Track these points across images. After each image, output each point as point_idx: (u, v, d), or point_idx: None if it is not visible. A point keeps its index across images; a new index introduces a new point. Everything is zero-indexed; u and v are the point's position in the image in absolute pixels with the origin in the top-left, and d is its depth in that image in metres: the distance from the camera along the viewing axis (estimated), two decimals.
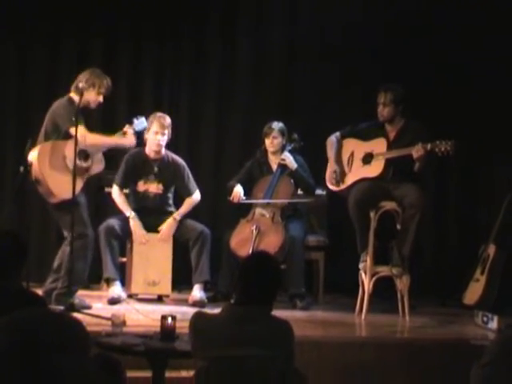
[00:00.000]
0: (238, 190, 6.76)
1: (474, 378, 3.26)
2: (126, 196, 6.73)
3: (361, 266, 6.32)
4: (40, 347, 2.16)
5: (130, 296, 6.54)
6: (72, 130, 5.76)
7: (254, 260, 3.63)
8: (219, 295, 6.58)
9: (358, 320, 6.22)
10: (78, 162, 5.79)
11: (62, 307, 5.68)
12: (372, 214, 6.20)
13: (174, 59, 7.52)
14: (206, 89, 7.54)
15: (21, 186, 5.95)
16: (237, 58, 7.60)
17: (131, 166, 6.68)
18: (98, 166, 6.12)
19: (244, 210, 6.83)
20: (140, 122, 6.29)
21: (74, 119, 5.73)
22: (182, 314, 5.19)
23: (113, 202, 6.70)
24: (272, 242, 6.45)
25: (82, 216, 5.94)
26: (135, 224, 6.54)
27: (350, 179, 6.41)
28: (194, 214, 6.82)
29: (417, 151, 6.06)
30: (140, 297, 6.59)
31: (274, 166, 6.86)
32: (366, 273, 6.25)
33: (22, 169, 5.87)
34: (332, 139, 6.54)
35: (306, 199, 6.85)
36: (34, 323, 2.23)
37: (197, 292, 6.45)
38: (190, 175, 6.77)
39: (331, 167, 6.46)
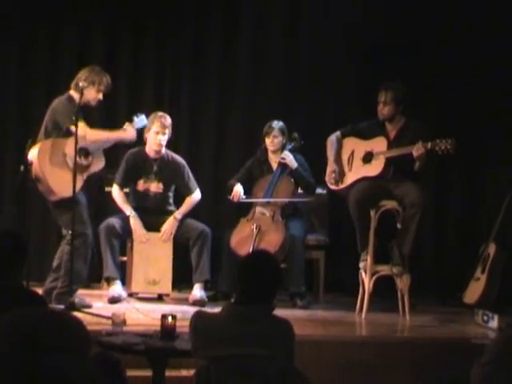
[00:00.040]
0: (238, 189, 6.76)
1: (475, 377, 3.26)
2: (127, 195, 6.73)
3: (361, 265, 6.32)
4: (40, 346, 2.16)
5: (131, 295, 6.54)
6: (72, 128, 5.76)
7: (254, 259, 3.64)
8: (219, 294, 6.59)
9: (358, 319, 6.22)
10: (78, 159, 5.80)
11: (62, 306, 5.69)
12: (372, 213, 6.20)
13: (175, 58, 7.52)
14: (206, 88, 7.54)
15: (21, 185, 5.95)
16: (237, 57, 7.60)
17: (131, 165, 6.68)
18: (98, 163, 6.12)
19: (244, 209, 6.83)
20: (140, 120, 6.29)
21: (74, 117, 5.73)
22: (183, 313, 5.20)
23: (113, 201, 6.70)
24: (272, 241, 6.45)
25: (81, 215, 5.94)
26: (135, 223, 6.54)
27: (350, 178, 6.40)
28: (194, 213, 6.82)
29: (417, 150, 6.06)
30: (140, 296, 6.59)
31: (275, 165, 6.86)
32: (366, 272, 6.25)
33: (22, 168, 5.87)
34: (332, 138, 6.54)
35: (307, 198, 6.84)
36: (34, 322, 2.22)
37: (197, 291, 6.45)
38: (190, 174, 6.77)
39: (330, 167, 6.46)
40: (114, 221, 6.52)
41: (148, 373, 4.17)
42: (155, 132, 6.55)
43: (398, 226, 6.25)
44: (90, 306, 5.95)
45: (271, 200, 6.71)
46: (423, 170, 6.21)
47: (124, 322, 5.27)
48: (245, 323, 3.34)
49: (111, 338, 4.21)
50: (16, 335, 2.19)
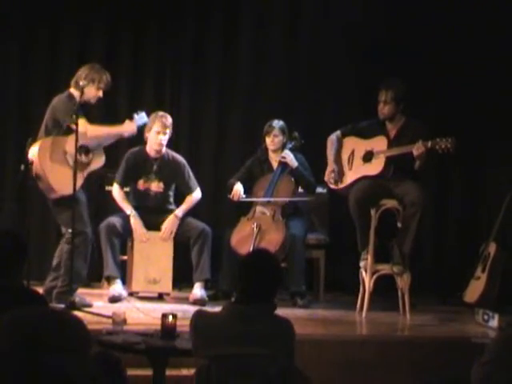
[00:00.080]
0: (238, 188, 6.76)
1: (475, 376, 3.26)
2: (127, 194, 6.73)
3: (361, 264, 6.33)
4: (40, 346, 2.16)
5: (131, 294, 6.54)
6: (73, 125, 5.76)
7: (254, 258, 3.64)
8: (220, 293, 6.59)
9: (358, 318, 6.22)
10: (78, 157, 5.80)
11: (62, 305, 5.69)
12: (373, 212, 6.20)
13: (175, 58, 7.52)
14: (206, 88, 7.54)
15: (21, 183, 5.96)
16: (238, 57, 7.60)
17: (132, 164, 6.69)
18: (98, 161, 6.13)
19: (245, 208, 6.83)
20: (140, 117, 6.29)
21: (74, 115, 5.74)
22: (183, 312, 5.21)
23: (113, 200, 6.70)
24: (273, 240, 6.45)
25: (81, 214, 5.94)
26: (136, 222, 6.54)
27: (350, 177, 6.40)
28: (194, 212, 6.82)
29: (417, 149, 6.06)
30: (141, 295, 6.59)
31: (275, 165, 6.86)
32: (366, 271, 6.25)
33: (22, 167, 5.88)
34: (332, 138, 6.54)
35: (307, 197, 6.84)
36: (34, 322, 2.22)
37: (197, 290, 6.45)
38: (191, 173, 6.77)
39: (330, 167, 6.46)
40: (114, 220, 6.52)
41: (148, 372, 4.18)
42: (156, 132, 6.55)
43: (399, 225, 6.25)
44: (90, 305, 5.95)
45: (271, 199, 6.71)
46: (423, 168, 6.21)
47: (124, 321, 5.27)
48: (245, 322, 3.34)
49: (112, 337, 4.22)
50: (16, 335, 2.19)
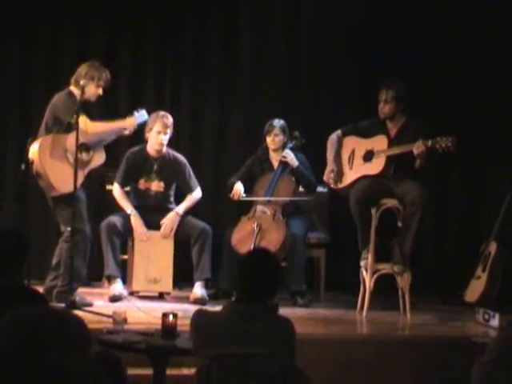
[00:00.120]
0: (238, 188, 6.76)
1: (475, 376, 3.26)
2: (127, 194, 6.73)
3: (362, 263, 6.33)
4: (41, 345, 2.16)
5: (131, 293, 6.54)
6: (73, 122, 5.76)
7: (254, 257, 3.64)
8: (220, 293, 6.59)
9: (359, 317, 6.22)
10: (78, 155, 5.80)
11: (63, 305, 5.70)
12: (373, 212, 6.20)
13: (175, 58, 7.52)
14: (207, 87, 7.55)
15: (22, 183, 5.97)
16: (238, 56, 7.60)
17: (132, 163, 6.68)
18: (98, 159, 6.13)
19: (245, 207, 6.83)
20: (141, 115, 6.29)
21: (74, 112, 5.74)
22: (183, 311, 5.22)
23: (114, 199, 6.70)
24: (273, 240, 6.45)
25: (80, 212, 5.95)
26: (136, 221, 6.54)
27: (351, 177, 6.41)
28: (195, 211, 6.82)
29: (417, 148, 6.06)
30: (141, 294, 6.59)
31: (276, 164, 6.86)
32: (367, 270, 6.25)
33: (23, 166, 5.88)
34: (333, 138, 6.54)
35: (307, 197, 6.84)
36: (34, 321, 2.22)
37: (198, 289, 6.45)
38: (192, 172, 6.77)
39: (329, 166, 6.46)
40: (115, 219, 6.52)
41: (149, 371, 4.18)
42: (157, 132, 6.55)
43: (399, 224, 6.25)
44: (90, 305, 5.95)
45: (271, 198, 6.71)
46: (424, 168, 6.21)
47: (125, 321, 5.25)
48: (245, 322, 3.35)
49: (112, 337, 4.22)
50: (17, 334, 2.19)
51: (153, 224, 6.58)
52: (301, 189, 6.88)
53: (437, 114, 7.33)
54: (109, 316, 5.32)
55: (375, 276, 6.23)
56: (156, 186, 6.70)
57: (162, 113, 6.61)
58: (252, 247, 6.26)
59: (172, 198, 6.79)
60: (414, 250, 6.27)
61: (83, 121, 5.84)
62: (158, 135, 6.56)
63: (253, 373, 3.19)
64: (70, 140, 5.84)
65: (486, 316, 6.02)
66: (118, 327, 4.59)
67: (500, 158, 7.44)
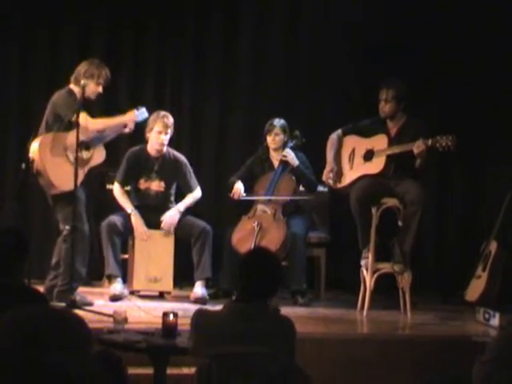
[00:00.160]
0: (239, 187, 6.76)
1: (476, 375, 3.26)
2: (128, 193, 6.73)
3: (362, 262, 6.33)
4: (41, 345, 2.16)
5: (132, 293, 6.54)
6: (74, 119, 5.76)
7: (254, 256, 3.64)
8: (221, 292, 6.59)
9: (359, 317, 6.22)
10: (78, 153, 5.80)
11: (63, 304, 5.70)
12: (374, 211, 6.20)
13: (176, 57, 7.52)
14: (207, 87, 7.55)
15: (22, 182, 5.97)
16: (238, 56, 7.60)
17: (132, 163, 6.68)
18: (99, 157, 6.14)
19: (246, 206, 6.83)
20: (141, 113, 6.28)
21: (75, 110, 5.75)
22: (184, 310, 5.22)
23: (114, 198, 6.70)
24: (274, 239, 6.46)
25: (79, 211, 5.94)
26: (136, 220, 6.54)
27: (351, 176, 6.41)
28: (195, 210, 6.83)
29: (418, 147, 6.06)
30: (142, 293, 6.59)
31: (276, 163, 6.86)
32: (367, 269, 6.25)
33: (23, 166, 5.89)
34: (333, 137, 6.54)
35: (308, 196, 6.84)
36: (35, 320, 2.22)
37: (198, 289, 6.45)
38: (192, 172, 6.77)
39: (329, 166, 6.46)
40: (115, 218, 6.52)
41: (149, 370, 4.18)
42: (157, 132, 6.55)
43: (399, 223, 6.25)
44: (91, 304, 5.96)
45: (272, 198, 6.71)
46: (424, 167, 6.21)
47: (125, 320, 5.26)
48: (246, 321, 3.35)
49: (112, 336, 4.22)
50: (17, 333, 2.19)
51: (153, 223, 6.58)
52: (301, 188, 6.88)
53: (437, 113, 7.33)
54: (109, 315, 5.32)
55: (376, 275, 6.23)
56: (156, 185, 6.70)
57: (162, 113, 6.61)
58: (252, 246, 6.26)
59: (172, 198, 6.79)
60: (414, 250, 6.27)
61: (84, 117, 5.84)
62: (159, 135, 6.56)
63: (253, 372, 3.19)
64: (71, 138, 5.84)
65: (487, 315, 6.02)
66: (118, 326, 4.60)
67: (500, 157, 7.44)
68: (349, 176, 6.43)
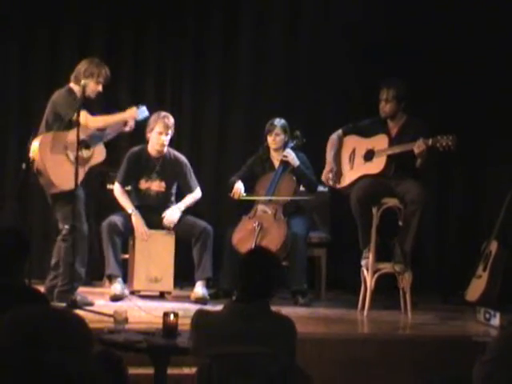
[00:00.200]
0: (239, 187, 6.76)
1: (476, 375, 3.26)
2: (128, 193, 6.73)
3: (363, 262, 6.32)
4: (42, 345, 2.16)
5: (132, 293, 6.54)
6: (75, 117, 5.76)
7: (254, 256, 3.64)
8: (221, 292, 6.59)
9: (360, 317, 6.22)
10: (79, 152, 5.81)
11: (64, 304, 5.70)
12: (374, 211, 6.20)
13: (176, 57, 7.52)
14: (207, 87, 7.55)
15: (23, 182, 5.97)
16: (238, 56, 7.60)
17: (133, 163, 6.68)
18: (99, 156, 6.14)
19: (246, 206, 6.83)
20: (141, 111, 6.28)
21: (75, 109, 5.75)
22: (184, 310, 5.22)
23: (115, 198, 6.70)
24: (274, 239, 6.45)
25: (78, 211, 5.94)
26: (137, 220, 6.54)
27: (351, 176, 6.40)
28: (196, 210, 6.83)
29: (418, 147, 6.06)
30: (142, 293, 6.59)
31: (277, 163, 6.86)
32: (368, 269, 6.25)
33: (23, 166, 5.89)
34: (333, 138, 6.54)
35: (308, 196, 6.84)
36: (35, 320, 2.22)
37: (199, 289, 6.45)
38: (192, 172, 6.77)
39: (328, 166, 6.45)
40: (116, 218, 6.52)
41: (150, 370, 4.18)
42: (158, 132, 6.55)
43: (400, 223, 6.25)
44: (91, 304, 5.96)
45: (272, 198, 6.71)
46: (425, 166, 6.21)
47: (126, 320, 5.25)
48: (246, 321, 3.35)
49: (113, 336, 4.22)
50: (17, 333, 2.19)
51: (154, 223, 6.58)
52: (302, 188, 6.88)
53: (437, 113, 7.33)
54: (110, 315, 5.32)
55: (376, 275, 6.23)
56: (157, 185, 6.70)
57: (163, 113, 6.61)
58: (253, 247, 6.25)
59: (173, 198, 6.78)
60: (414, 250, 6.27)
61: (84, 116, 5.84)
62: (160, 136, 6.56)
63: (254, 372, 3.19)
64: (71, 137, 5.85)
65: (487, 315, 6.01)
66: (119, 326, 4.59)
67: (500, 156, 7.45)
68: (349, 176, 6.43)
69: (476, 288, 6.54)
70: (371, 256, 6.21)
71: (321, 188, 6.96)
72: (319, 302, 6.76)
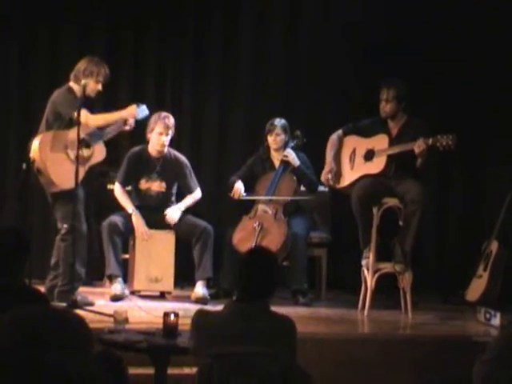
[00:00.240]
0: (239, 187, 6.76)
1: (476, 375, 3.26)
2: (129, 193, 6.73)
3: (363, 262, 6.32)
4: (42, 344, 2.16)
5: (133, 293, 6.54)
6: (75, 116, 5.76)
7: (253, 256, 3.64)
8: (221, 292, 6.59)
9: (360, 316, 6.22)
10: (79, 151, 5.81)
11: (64, 304, 5.70)
12: (375, 211, 6.20)
13: (176, 58, 7.52)
14: (207, 87, 7.55)
15: (23, 182, 5.97)
16: (238, 56, 7.60)
17: (133, 163, 6.68)
18: (99, 155, 6.14)
19: (246, 206, 6.83)
20: (141, 110, 6.27)
21: (75, 107, 5.75)
22: (185, 310, 5.22)
23: (115, 198, 6.70)
24: (275, 239, 6.45)
25: (78, 210, 5.94)
26: (137, 220, 6.54)
27: (352, 176, 6.40)
28: (196, 210, 6.83)
29: (418, 146, 6.06)
30: (142, 293, 6.59)
31: (277, 163, 6.86)
32: (368, 269, 6.25)
33: (24, 166, 5.89)
34: (333, 138, 6.54)
35: (309, 196, 6.84)
36: (36, 320, 2.22)
37: (199, 289, 6.45)
38: (192, 173, 6.77)
39: (327, 167, 6.45)
40: (116, 219, 6.52)
41: (150, 370, 4.18)
42: (158, 133, 6.55)
43: (400, 223, 6.25)
44: (92, 304, 5.96)
45: (272, 198, 6.71)
46: (425, 166, 6.21)
47: (126, 320, 5.26)
48: (246, 321, 3.35)
49: (113, 336, 4.22)
50: (17, 333, 2.19)
51: (154, 223, 6.58)
52: (302, 188, 6.88)
53: (437, 113, 7.33)
54: (110, 315, 5.32)
55: (376, 275, 6.23)
56: (157, 186, 6.70)
57: (163, 114, 6.60)
58: (253, 246, 6.25)
59: (173, 198, 6.78)
60: (415, 249, 6.27)
61: (84, 114, 5.84)
62: (160, 136, 6.56)
63: (254, 372, 3.19)
64: (71, 136, 5.85)
65: (488, 315, 6.01)
66: (119, 326, 4.59)
67: (500, 156, 7.45)
68: (349, 176, 6.43)
69: (476, 288, 6.54)
70: (371, 256, 6.21)
71: (321, 188, 6.96)
72: (319, 301, 6.76)
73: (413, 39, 7.34)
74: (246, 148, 7.29)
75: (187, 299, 6.43)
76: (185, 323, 3.98)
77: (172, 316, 4.17)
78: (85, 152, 6.00)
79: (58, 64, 7.23)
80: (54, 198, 6.04)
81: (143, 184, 6.70)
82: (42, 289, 5.73)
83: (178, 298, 6.56)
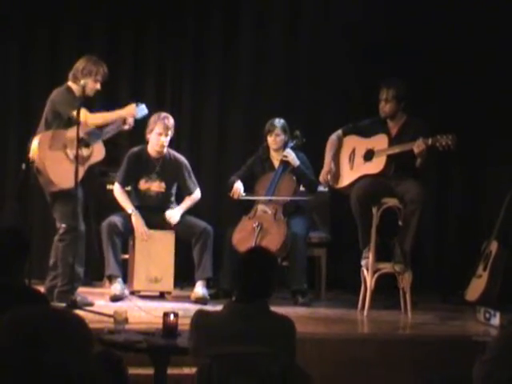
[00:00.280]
0: (238, 187, 6.76)
1: (476, 374, 3.26)
2: (128, 194, 6.73)
3: (363, 262, 6.32)
4: (41, 345, 2.16)
5: (132, 293, 6.54)
6: (74, 115, 5.76)
7: (253, 255, 3.64)
8: (221, 292, 6.59)
9: (360, 316, 6.22)
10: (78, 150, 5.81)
11: (64, 304, 5.70)
12: (374, 211, 6.20)
13: (176, 58, 7.52)
14: (207, 87, 7.55)
15: (23, 182, 5.97)
16: (238, 56, 7.60)
17: (133, 164, 6.68)
18: (98, 154, 6.14)
19: (246, 206, 6.83)
20: (141, 109, 6.27)
21: (74, 106, 5.75)
22: (184, 310, 5.22)
23: (115, 199, 6.70)
24: (274, 239, 6.46)
25: (76, 210, 5.94)
26: (137, 221, 6.54)
27: (351, 176, 6.40)
28: (196, 211, 6.83)
29: (418, 146, 6.06)
30: (142, 294, 6.59)
31: (276, 163, 6.86)
32: (368, 269, 6.25)
33: (23, 166, 5.89)
34: (333, 138, 6.54)
35: (308, 196, 6.84)
36: (35, 320, 2.22)
37: (199, 289, 6.45)
38: (192, 173, 6.77)
39: (326, 167, 6.45)
40: (115, 219, 6.52)
41: (150, 371, 4.18)
42: (158, 133, 6.55)
43: (400, 223, 6.25)
44: (91, 304, 5.96)
45: (272, 198, 6.71)
46: (424, 166, 6.21)
47: (126, 320, 5.25)
48: (246, 321, 3.35)
49: (113, 336, 4.22)
50: (17, 334, 2.19)
51: (154, 224, 6.58)
52: (302, 188, 6.88)
53: (437, 113, 7.33)
54: (110, 316, 5.32)
55: (376, 275, 6.23)
56: (157, 186, 6.70)
57: (163, 114, 6.60)
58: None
59: (173, 198, 6.79)
60: (414, 249, 6.27)
61: (83, 113, 5.84)
62: (159, 137, 6.56)
63: (254, 372, 3.19)
64: (70, 135, 5.85)
65: (487, 315, 6.02)
66: (118, 327, 4.59)
67: (500, 156, 7.45)
68: (349, 176, 6.43)
69: (476, 288, 6.54)
70: (371, 256, 6.22)
71: (321, 188, 6.96)
72: (319, 301, 6.76)
73: (413, 39, 7.35)
74: (246, 148, 7.29)
75: (187, 299, 6.43)
76: (184, 323, 3.98)
77: (172, 316, 4.17)
78: (84, 151, 5.99)
79: (57, 64, 7.23)
80: (52, 197, 6.05)
81: (143, 184, 6.70)
82: (42, 289, 5.73)
83: (177, 298, 6.56)
